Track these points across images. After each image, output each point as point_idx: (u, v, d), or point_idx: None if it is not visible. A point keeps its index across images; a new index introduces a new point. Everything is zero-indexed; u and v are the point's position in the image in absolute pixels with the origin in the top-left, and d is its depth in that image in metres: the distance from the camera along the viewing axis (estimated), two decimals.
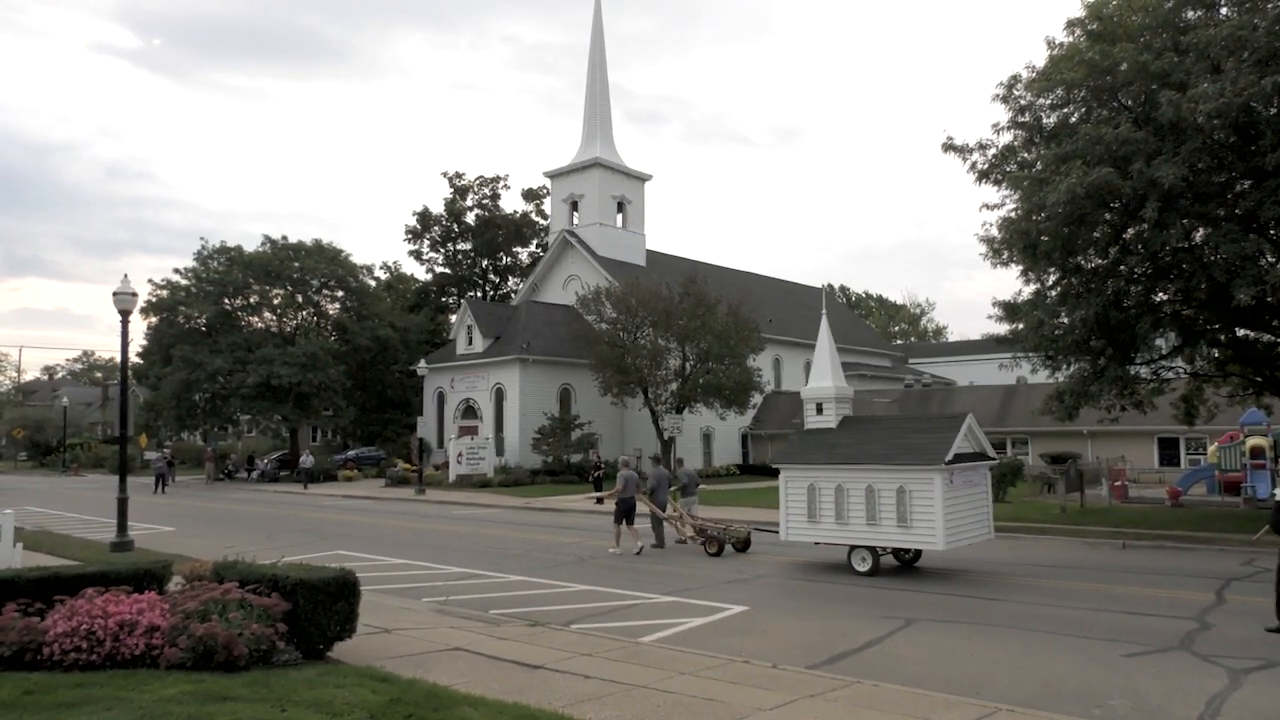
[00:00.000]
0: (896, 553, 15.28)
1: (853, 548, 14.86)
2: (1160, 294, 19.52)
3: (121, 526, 18.07)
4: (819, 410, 16.38)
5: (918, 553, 15.33)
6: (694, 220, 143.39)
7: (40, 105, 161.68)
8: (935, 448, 14.11)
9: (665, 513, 18.40)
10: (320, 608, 8.01)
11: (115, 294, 18.45)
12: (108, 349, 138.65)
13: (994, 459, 16.11)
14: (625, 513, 17.92)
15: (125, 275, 18.72)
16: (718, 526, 17.83)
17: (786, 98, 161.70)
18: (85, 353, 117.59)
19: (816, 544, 15.74)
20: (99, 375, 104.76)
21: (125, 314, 18.62)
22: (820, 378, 16.65)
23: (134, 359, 49.42)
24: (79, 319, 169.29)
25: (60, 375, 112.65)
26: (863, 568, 14.63)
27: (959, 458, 14.22)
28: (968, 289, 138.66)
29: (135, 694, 6.32)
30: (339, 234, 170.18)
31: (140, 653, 7.32)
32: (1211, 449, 26.00)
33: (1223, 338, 20.66)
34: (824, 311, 18.09)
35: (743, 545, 17.53)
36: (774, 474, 43.80)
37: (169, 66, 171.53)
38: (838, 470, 14.89)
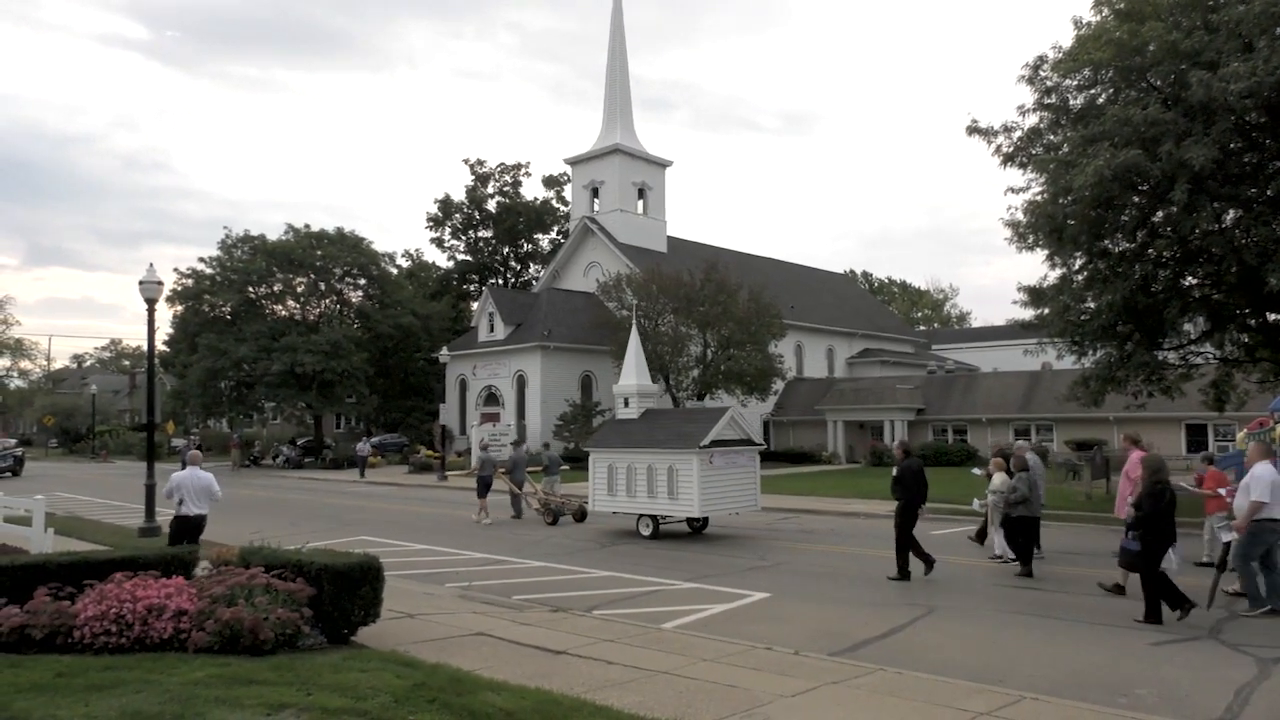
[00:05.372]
0: (690, 522, 17.94)
1: (639, 516, 17.90)
2: (1189, 278, 19.23)
3: (149, 512, 18.33)
4: (626, 403, 19.31)
5: (705, 522, 18.07)
6: (708, 206, 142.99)
7: (56, 98, 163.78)
8: (698, 434, 17.07)
9: (521, 490, 21.63)
10: (344, 593, 8.07)
11: (142, 283, 18.64)
12: (135, 337, 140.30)
13: (759, 445, 19.09)
14: (484, 488, 21.03)
15: (151, 264, 18.88)
16: (558, 501, 20.59)
17: (795, 83, 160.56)
18: (113, 341, 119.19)
19: (614, 513, 18.69)
20: (126, 363, 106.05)
21: (152, 303, 18.80)
22: (627, 376, 19.64)
23: (161, 347, 49.97)
24: (105, 308, 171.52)
25: (89, 363, 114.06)
26: (645, 532, 17.70)
27: (720, 443, 17.28)
28: (987, 274, 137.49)
29: (164, 677, 6.40)
30: (355, 222, 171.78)
31: (168, 636, 7.42)
32: (1240, 435, 25.57)
33: (1253, 322, 20.32)
34: (634, 321, 21.88)
35: (580, 516, 20.13)
36: (796, 461, 43.54)
37: (180, 58, 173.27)
38: (630, 453, 17.91)
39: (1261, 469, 10.36)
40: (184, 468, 12.78)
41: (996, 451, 15.23)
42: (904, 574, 12.64)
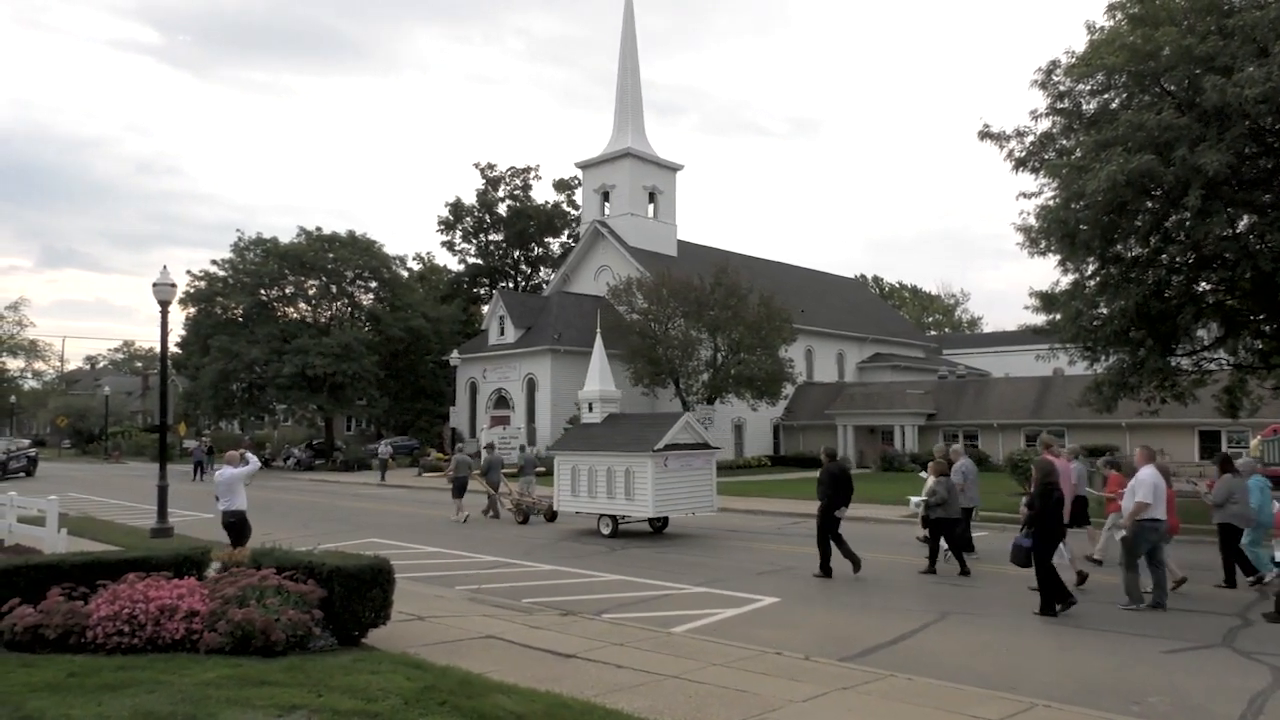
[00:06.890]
0: (651, 522, 18.59)
1: (600, 515, 18.52)
2: (1203, 284, 19.09)
3: (162, 513, 18.41)
4: (590, 408, 20.41)
5: (664, 522, 18.85)
6: (718, 210, 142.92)
7: (68, 102, 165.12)
8: (653, 439, 17.87)
9: (496, 490, 22.40)
10: (355, 595, 8.10)
11: (155, 285, 18.75)
12: (148, 339, 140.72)
13: (715, 448, 19.85)
14: (459, 489, 21.93)
15: (165, 267, 19.01)
16: (529, 501, 21.31)
17: (803, 87, 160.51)
18: (126, 343, 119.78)
19: (577, 513, 19.35)
20: (139, 365, 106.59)
21: (164, 305, 18.92)
22: (591, 382, 20.80)
23: (173, 349, 50.22)
24: (118, 310, 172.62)
25: (102, 365, 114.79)
26: (605, 531, 18.34)
27: (675, 446, 18.03)
28: (995, 278, 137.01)
29: (176, 677, 6.43)
30: (366, 226, 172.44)
31: (180, 637, 7.46)
32: (1254, 442, 25.45)
33: (1267, 328, 20.16)
34: (598, 328, 23.11)
35: (551, 517, 20.70)
36: (805, 465, 43.25)
37: (191, 63, 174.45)
38: (592, 456, 18.69)
39: (1145, 473, 10.99)
40: None
41: (941, 455, 15.49)
42: (826, 570, 13.40)
